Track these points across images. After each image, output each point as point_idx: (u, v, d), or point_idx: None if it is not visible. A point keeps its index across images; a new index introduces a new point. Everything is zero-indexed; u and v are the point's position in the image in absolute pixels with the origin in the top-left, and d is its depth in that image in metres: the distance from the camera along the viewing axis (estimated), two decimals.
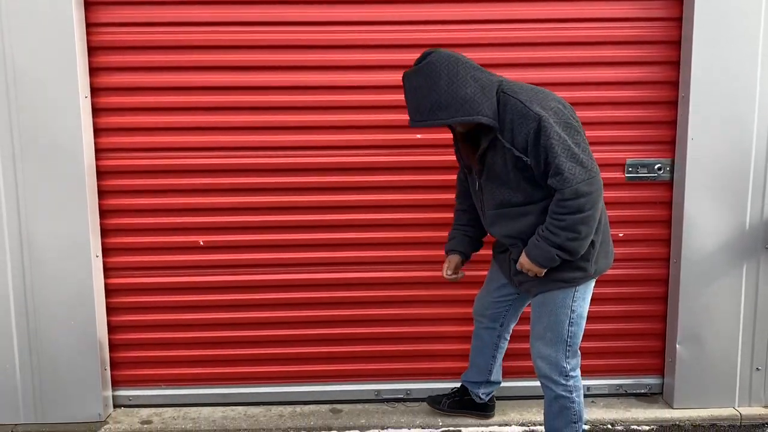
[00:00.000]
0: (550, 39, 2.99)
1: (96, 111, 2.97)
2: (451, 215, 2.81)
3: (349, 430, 3.00)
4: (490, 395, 3.03)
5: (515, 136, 2.24)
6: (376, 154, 3.06)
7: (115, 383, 3.20)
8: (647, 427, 3.02)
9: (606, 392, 3.27)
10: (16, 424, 3.03)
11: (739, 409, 3.12)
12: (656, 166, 3.09)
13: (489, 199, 2.45)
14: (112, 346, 3.17)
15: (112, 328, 3.15)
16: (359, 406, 3.20)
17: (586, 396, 3.24)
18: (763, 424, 3.04)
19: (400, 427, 3.01)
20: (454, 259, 2.71)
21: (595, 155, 3.05)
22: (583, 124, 3.01)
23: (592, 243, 2.36)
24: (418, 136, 3.04)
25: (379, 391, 3.25)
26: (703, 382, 3.12)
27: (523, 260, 2.38)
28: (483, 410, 3.05)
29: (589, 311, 3.15)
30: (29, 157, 2.86)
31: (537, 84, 2.93)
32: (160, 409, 3.19)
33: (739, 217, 3.01)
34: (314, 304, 3.18)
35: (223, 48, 2.97)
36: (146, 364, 3.21)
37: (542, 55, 3.00)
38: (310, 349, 3.22)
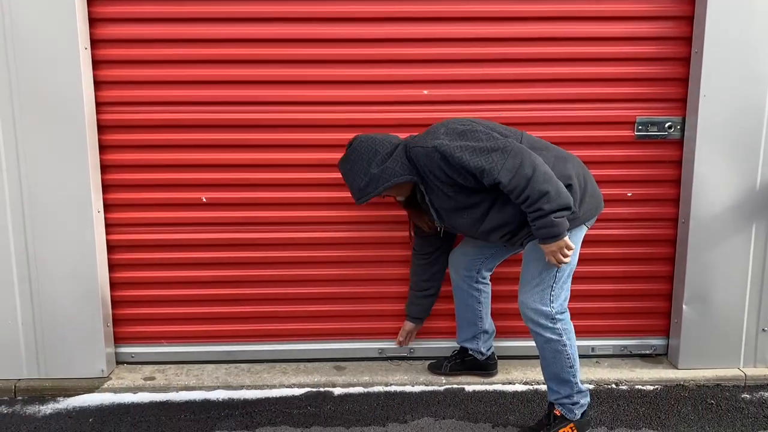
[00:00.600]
0: None
1: (96, 63, 2.92)
2: None
3: (353, 386, 3.00)
4: (491, 349, 3.04)
5: (435, 174, 2.42)
6: (381, 110, 3.01)
7: (118, 340, 3.20)
8: (651, 387, 3.02)
9: (611, 353, 3.27)
10: (19, 379, 3.03)
11: (744, 369, 3.11)
12: (667, 125, 3.04)
13: (466, 225, 2.56)
14: (114, 303, 3.16)
15: (113, 285, 3.14)
16: (363, 363, 3.20)
17: (590, 356, 3.24)
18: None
19: (404, 384, 3.01)
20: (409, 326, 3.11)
21: (605, 112, 3.03)
22: (593, 80, 3.00)
23: (570, 186, 2.41)
24: (425, 92, 2.99)
25: (382, 350, 3.24)
26: (709, 343, 3.11)
27: (546, 249, 2.39)
28: (485, 369, 3.05)
29: (595, 272, 3.16)
30: (29, 111, 2.81)
31: (546, 38, 2.90)
32: (163, 366, 3.19)
33: (750, 177, 2.97)
34: (318, 262, 3.16)
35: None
36: (148, 321, 3.20)
37: (552, 8, 2.94)
38: (314, 307, 3.21)
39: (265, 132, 3.03)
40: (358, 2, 2.93)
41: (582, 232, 2.54)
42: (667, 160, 3.08)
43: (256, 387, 3.00)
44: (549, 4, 2.94)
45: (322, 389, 2.99)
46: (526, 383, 3.02)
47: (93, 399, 2.93)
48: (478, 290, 2.93)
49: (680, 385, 3.04)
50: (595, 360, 3.23)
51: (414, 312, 3.09)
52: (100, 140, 2.98)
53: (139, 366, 3.19)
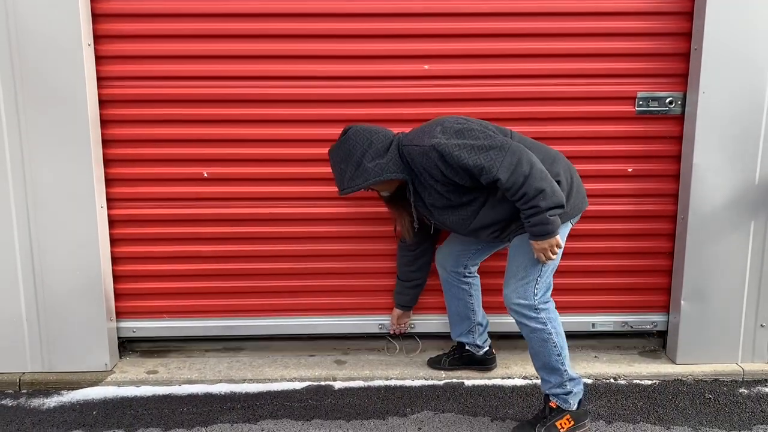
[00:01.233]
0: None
1: (97, 38, 2.94)
2: None
3: (353, 380, 3.03)
4: (487, 341, 3.07)
5: (431, 173, 2.43)
6: (382, 85, 3.01)
7: (119, 315, 3.19)
8: (650, 382, 3.04)
9: (611, 329, 3.25)
10: (23, 373, 3.06)
11: (742, 364, 3.13)
12: (668, 100, 3.04)
13: (457, 223, 2.58)
14: (115, 278, 3.15)
15: (114, 260, 3.13)
16: (362, 357, 3.23)
17: (591, 335, 3.27)
18: (765, 380, 3.06)
19: (404, 378, 3.04)
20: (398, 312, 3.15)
21: (606, 88, 3.05)
22: (594, 55, 3.02)
23: (558, 183, 2.45)
24: (426, 66, 3.00)
25: (383, 325, 3.24)
26: (707, 338, 3.12)
27: (537, 246, 2.42)
28: (483, 363, 3.08)
29: (596, 247, 3.16)
30: (32, 106, 2.84)
31: (547, 13, 2.96)
32: (166, 360, 3.22)
33: (749, 172, 2.98)
34: (319, 237, 3.16)
35: None
36: (149, 295, 3.19)
37: None
38: (314, 282, 3.21)
39: (266, 107, 3.02)
40: None
41: (567, 228, 2.59)
42: (668, 135, 3.08)
43: (257, 381, 3.03)
44: None
45: (323, 383, 3.02)
46: (524, 377, 3.04)
47: (97, 392, 2.96)
48: (467, 284, 2.97)
49: (678, 379, 3.06)
50: (593, 355, 3.26)
51: (402, 301, 3.12)
52: (100, 114, 2.99)
53: (142, 359, 3.22)
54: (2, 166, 2.88)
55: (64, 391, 2.98)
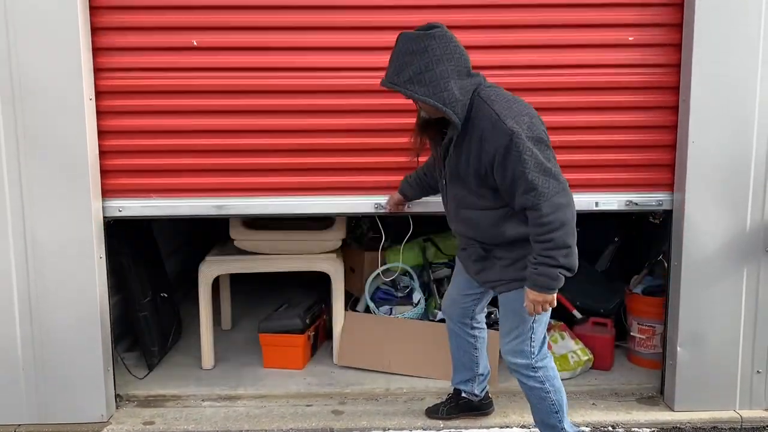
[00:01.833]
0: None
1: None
2: None
3: (351, 431, 3.01)
4: (485, 390, 3.05)
5: (484, 146, 2.26)
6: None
7: (105, 193, 3.01)
8: (648, 429, 3.03)
9: (615, 207, 3.11)
10: (19, 425, 3.04)
11: (740, 411, 3.12)
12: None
13: (451, 196, 2.52)
14: (102, 153, 3.00)
15: (101, 134, 2.99)
16: (360, 407, 3.21)
17: (594, 211, 3.14)
18: (764, 427, 3.05)
19: (402, 429, 3.02)
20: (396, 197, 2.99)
21: None
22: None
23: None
24: None
25: (379, 204, 3.11)
26: (704, 385, 3.12)
27: (532, 296, 2.34)
28: (481, 409, 3.06)
29: (599, 121, 3.06)
30: (33, 157, 2.88)
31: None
32: (163, 410, 3.20)
33: (740, 219, 3.02)
34: (314, 111, 3.03)
35: None
36: (137, 172, 3.04)
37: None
38: (309, 160, 3.07)
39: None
40: None
41: None
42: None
43: None
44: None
45: None
46: (523, 426, 3.03)
47: None
48: (473, 336, 2.93)
49: (677, 427, 3.05)
50: (591, 402, 3.25)
51: (406, 190, 2.97)
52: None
53: (139, 409, 3.20)
54: (3, 219, 2.91)
55: None
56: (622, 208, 3.13)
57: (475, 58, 2.44)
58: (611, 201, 3.13)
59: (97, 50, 2.93)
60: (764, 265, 3.05)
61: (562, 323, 3.57)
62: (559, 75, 3.03)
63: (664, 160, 3.13)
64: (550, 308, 2.42)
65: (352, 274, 3.95)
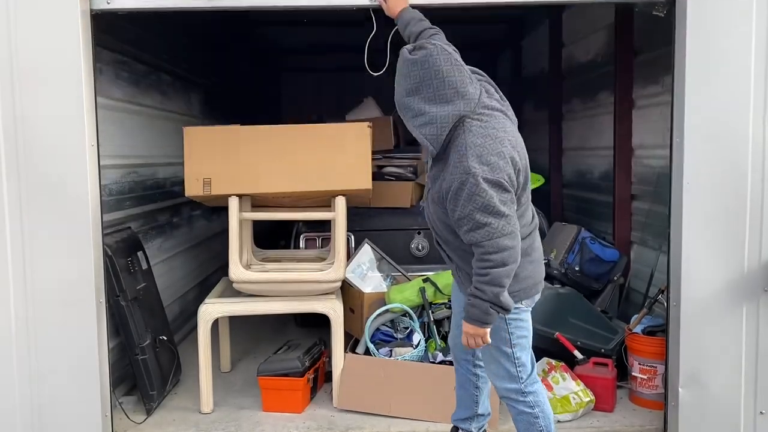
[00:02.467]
0: None
1: None
2: None
3: None
4: (482, 429, 3.02)
5: (446, 175, 2.33)
6: None
7: None
8: None
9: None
10: None
11: None
12: None
13: (431, 215, 2.56)
14: None
15: None
16: None
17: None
18: None
19: None
20: None
21: None
22: None
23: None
24: None
25: None
26: (708, 426, 3.09)
27: (465, 328, 2.40)
28: None
29: None
30: (35, 203, 2.91)
31: None
32: None
33: (738, 258, 3.03)
34: None
35: None
36: None
37: None
38: None
39: None
40: None
41: (521, 310, 2.52)
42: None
43: None
44: None
45: None
46: None
47: None
48: (475, 375, 2.91)
49: None
50: None
51: None
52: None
53: None
54: (3, 265, 2.93)
55: None
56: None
57: None
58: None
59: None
60: (764, 304, 3.04)
61: (563, 364, 3.54)
62: None
63: None
64: (528, 331, 2.48)
65: (352, 315, 3.94)
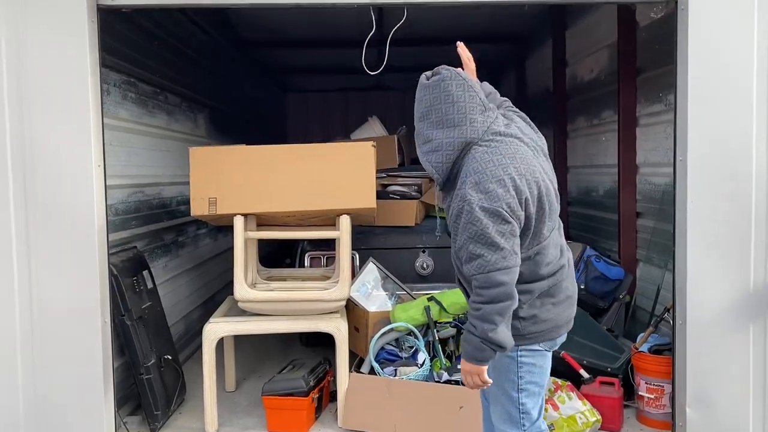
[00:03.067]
0: None
1: None
2: None
3: None
4: None
5: (452, 203, 2.24)
6: None
7: None
8: None
9: None
10: None
11: None
12: None
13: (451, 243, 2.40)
14: None
15: None
16: None
17: None
18: None
19: None
20: None
21: None
22: None
23: (519, 303, 2.22)
24: None
25: None
26: None
27: (462, 365, 2.25)
28: None
29: None
30: (42, 222, 2.93)
31: None
32: None
33: (744, 278, 3.02)
34: None
35: None
36: None
37: None
38: None
39: None
40: None
41: (542, 352, 2.35)
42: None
43: None
44: None
45: None
46: None
47: None
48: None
49: None
50: None
51: None
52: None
53: None
54: (9, 284, 2.95)
55: None
56: None
57: None
58: None
59: None
60: None
61: (569, 383, 3.52)
62: None
63: None
64: (543, 379, 2.31)
65: (356, 334, 3.93)
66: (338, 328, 3.49)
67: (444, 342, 3.78)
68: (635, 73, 4.47)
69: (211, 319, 3.56)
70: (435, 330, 3.76)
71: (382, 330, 3.69)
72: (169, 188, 4.53)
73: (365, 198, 3.50)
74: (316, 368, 3.71)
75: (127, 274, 3.49)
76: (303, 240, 4.42)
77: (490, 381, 2.23)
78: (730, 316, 3.03)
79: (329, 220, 3.64)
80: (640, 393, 3.54)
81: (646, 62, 4.31)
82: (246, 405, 3.86)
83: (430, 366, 3.63)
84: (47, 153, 2.92)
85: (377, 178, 3.64)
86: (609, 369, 3.66)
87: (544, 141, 2.40)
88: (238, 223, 3.46)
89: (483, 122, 2.24)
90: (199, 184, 3.46)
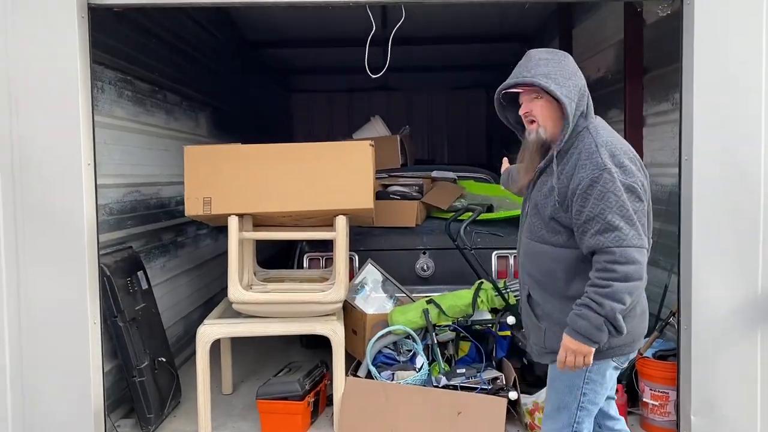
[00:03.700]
0: None
1: None
2: None
3: None
4: None
5: (574, 174, 2.11)
6: None
7: None
8: None
9: None
10: None
11: None
12: None
13: (527, 227, 2.32)
14: None
15: None
16: None
17: None
18: None
19: None
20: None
21: None
22: None
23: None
24: None
25: None
26: None
27: (566, 341, 2.10)
28: None
29: None
30: (31, 221, 2.89)
31: None
32: None
33: (751, 282, 2.92)
34: None
35: None
36: None
37: None
38: None
39: None
40: None
41: (610, 367, 2.25)
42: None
43: None
44: None
45: None
46: None
47: None
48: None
49: None
50: None
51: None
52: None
53: None
54: None
55: None
56: None
57: None
58: None
59: None
60: None
61: None
62: None
63: None
64: (600, 396, 2.21)
65: (354, 337, 3.86)
66: (334, 331, 3.42)
67: (443, 346, 3.70)
68: (642, 71, 4.38)
69: (205, 321, 3.50)
70: (434, 333, 3.68)
71: (380, 333, 3.62)
72: (168, 188, 4.48)
73: (362, 198, 3.43)
74: (312, 371, 3.64)
75: (121, 275, 3.44)
76: (301, 241, 4.36)
77: (591, 362, 2.11)
78: (737, 321, 2.93)
79: (326, 220, 3.58)
80: (644, 400, 3.44)
81: (653, 61, 4.22)
82: (242, 408, 3.80)
83: (429, 370, 3.56)
84: (36, 151, 2.87)
85: (378, 178, 3.57)
86: None
87: None
88: (233, 223, 3.40)
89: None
90: (194, 184, 3.41)
